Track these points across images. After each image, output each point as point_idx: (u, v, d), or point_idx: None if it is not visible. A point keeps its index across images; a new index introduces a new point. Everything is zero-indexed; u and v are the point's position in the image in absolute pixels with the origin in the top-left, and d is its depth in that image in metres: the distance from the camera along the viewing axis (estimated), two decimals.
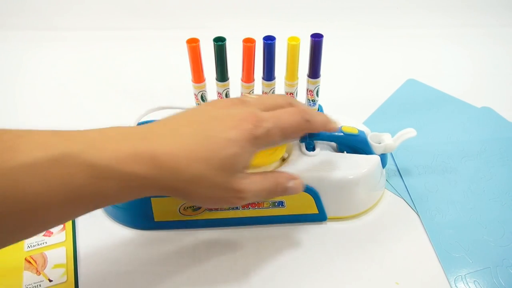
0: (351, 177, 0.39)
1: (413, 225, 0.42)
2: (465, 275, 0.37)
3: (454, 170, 0.47)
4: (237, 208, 0.40)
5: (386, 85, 0.60)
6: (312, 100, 0.48)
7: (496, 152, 0.49)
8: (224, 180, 0.29)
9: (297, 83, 0.47)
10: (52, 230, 0.41)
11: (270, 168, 0.41)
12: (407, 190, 0.45)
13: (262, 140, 0.30)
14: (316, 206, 0.40)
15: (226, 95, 0.47)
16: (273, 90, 0.47)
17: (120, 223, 0.42)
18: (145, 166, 0.27)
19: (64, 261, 0.38)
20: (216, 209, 0.40)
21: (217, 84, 0.46)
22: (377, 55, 0.67)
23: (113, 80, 0.62)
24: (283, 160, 0.42)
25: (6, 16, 0.74)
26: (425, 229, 0.41)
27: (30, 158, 0.24)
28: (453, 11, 0.75)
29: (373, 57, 0.67)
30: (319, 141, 0.42)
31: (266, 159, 0.40)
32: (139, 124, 0.42)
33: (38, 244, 0.39)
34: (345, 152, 0.41)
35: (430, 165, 0.47)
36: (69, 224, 0.41)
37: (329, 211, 0.41)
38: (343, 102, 0.56)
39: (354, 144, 0.41)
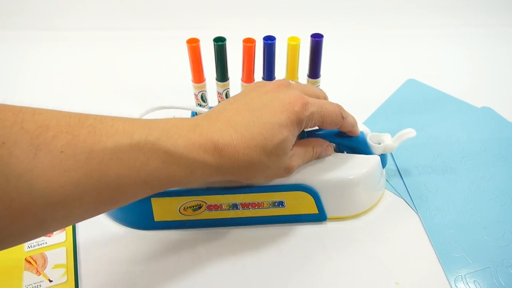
0: (351, 177, 0.39)
1: (413, 225, 0.42)
2: (465, 275, 0.37)
3: (454, 170, 0.47)
4: (236, 208, 0.40)
5: (386, 85, 0.60)
6: None
7: (496, 152, 0.49)
8: (278, 162, 0.33)
9: None
10: None
11: None
12: (407, 190, 0.45)
13: (305, 122, 0.33)
14: (316, 206, 0.40)
15: (226, 95, 0.47)
16: None
17: (120, 223, 0.42)
18: (210, 155, 0.30)
19: (64, 261, 0.38)
20: (216, 209, 0.40)
21: (217, 84, 0.46)
22: (377, 55, 0.67)
23: (113, 80, 0.62)
24: None
25: (6, 16, 0.74)
26: (425, 229, 0.41)
27: (113, 143, 0.27)
28: (453, 11, 0.75)
29: (373, 57, 0.67)
30: None
31: None
32: None
33: (38, 244, 0.39)
34: (345, 152, 0.42)
35: (430, 165, 0.47)
36: None
37: (329, 211, 0.41)
38: (343, 102, 0.56)
39: (354, 144, 0.41)
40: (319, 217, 0.41)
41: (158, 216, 0.40)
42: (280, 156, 0.33)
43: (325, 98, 0.39)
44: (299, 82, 0.38)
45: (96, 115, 0.28)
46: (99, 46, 0.70)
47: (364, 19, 0.75)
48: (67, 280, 0.37)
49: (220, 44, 0.43)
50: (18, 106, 0.26)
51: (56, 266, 0.38)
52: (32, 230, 0.26)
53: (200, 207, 0.40)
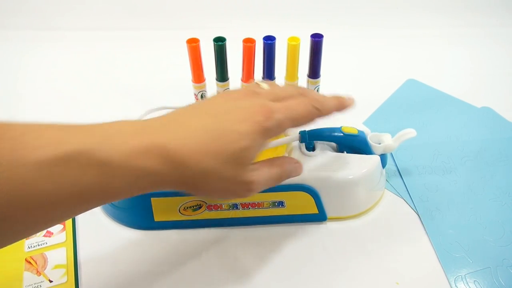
0: (351, 177, 0.39)
1: (413, 225, 0.42)
2: (465, 275, 0.37)
3: (454, 170, 0.47)
4: (236, 208, 0.40)
5: (386, 85, 0.60)
6: None
7: (496, 152, 0.49)
8: (235, 174, 0.29)
9: (297, 83, 0.47)
10: (52, 230, 0.41)
11: None
12: (407, 190, 0.45)
13: (273, 131, 0.30)
14: (316, 206, 0.40)
15: None
16: None
17: (120, 223, 0.42)
18: (156, 162, 0.26)
19: (64, 261, 0.38)
20: (216, 209, 0.40)
21: (217, 84, 0.46)
22: (377, 55, 0.67)
23: (113, 80, 0.62)
24: None
25: (6, 16, 0.74)
26: (425, 229, 0.41)
27: (39, 156, 0.23)
28: (453, 11, 0.75)
29: (373, 57, 0.67)
30: (319, 141, 0.42)
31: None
32: None
33: (38, 245, 0.39)
34: (345, 152, 0.42)
35: (430, 165, 0.47)
36: (69, 224, 0.41)
37: (329, 211, 0.41)
38: None
39: (354, 144, 0.41)
40: (319, 217, 0.41)
41: (158, 216, 0.40)
42: (239, 168, 0.29)
43: (302, 94, 0.34)
44: (272, 84, 0.35)
45: (23, 124, 0.25)
46: (99, 46, 0.70)
47: (364, 19, 0.75)
48: (67, 281, 0.37)
49: (220, 44, 0.43)
50: None
51: (56, 267, 0.38)
52: None
53: (200, 207, 0.40)
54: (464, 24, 0.73)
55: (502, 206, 0.43)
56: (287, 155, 0.42)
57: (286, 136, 0.42)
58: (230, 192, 0.30)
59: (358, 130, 0.41)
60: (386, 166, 0.44)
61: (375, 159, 0.41)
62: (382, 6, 0.76)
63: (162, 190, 0.28)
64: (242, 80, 0.47)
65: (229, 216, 0.41)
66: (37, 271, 0.37)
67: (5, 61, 0.67)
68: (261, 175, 0.31)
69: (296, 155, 0.41)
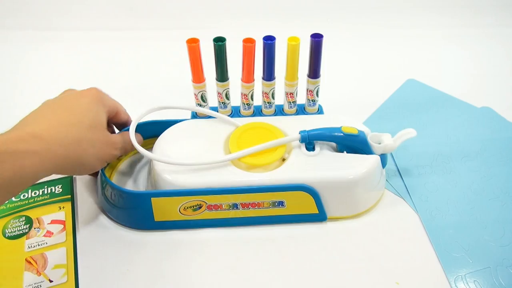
0: (351, 177, 0.39)
1: (413, 225, 0.42)
2: (465, 275, 0.37)
3: (454, 170, 0.47)
4: (237, 208, 0.40)
5: (386, 85, 0.60)
6: (312, 100, 0.48)
7: (496, 152, 0.49)
8: (99, 135, 0.38)
9: (297, 83, 0.47)
10: (52, 230, 0.41)
11: (270, 168, 0.41)
12: (407, 190, 0.45)
13: (105, 99, 0.41)
14: (316, 206, 0.40)
15: (226, 96, 0.47)
16: (273, 91, 0.47)
17: (120, 223, 0.42)
18: (30, 143, 0.33)
19: (64, 261, 0.38)
20: (216, 209, 0.40)
21: (217, 84, 0.46)
22: (377, 55, 0.67)
23: (113, 80, 0.62)
24: (283, 160, 0.42)
25: (6, 16, 0.74)
26: (425, 229, 0.41)
27: None
28: (453, 11, 0.75)
29: (373, 57, 0.67)
30: (319, 141, 0.42)
31: (267, 159, 0.41)
32: (139, 124, 0.43)
33: (38, 245, 0.39)
34: (345, 152, 0.42)
35: (430, 165, 0.47)
36: (69, 224, 0.41)
37: (329, 211, 0.41)
38: (343, 102, 0.56)
39: (354, 144, 0.41)
40: (319, 217, 0.41)
41: (158, 216, 0.40)
42: (99, 130, 0.38)
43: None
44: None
45: None
46: (99, 46, 0.70)
47: (364, 19, 0.75)
48: (67, 280, 0.37)
49: (220, 44, 0.43)
50: None
51: (57, 266, 0.38)
52: None
53: (200, 207, 0.40)
54: (464, 24, 0.73)
55: (502, 206, 0.43)
56: (287, 155, 0.42)
57: (286, 136, 0.42)
58: (104, 152, 0.39)
59: (358, 130, 0.41)
60: (386, 166, 0.44)
61: (375, 159, 0.41)
62: (382, 6, 0.76)
63: (47, 172, 0.34)
64: (242, 80, 0.47)
65: (229, 216, 0.41)
66: (37, 271, 0.37)
67: (5, 61, 0.67)
68: (118, 137, 0.41)
69: (296, 154, 0.41)
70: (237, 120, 0.46)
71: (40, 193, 0.44)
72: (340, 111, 0.51)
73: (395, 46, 0.69)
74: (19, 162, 0.32)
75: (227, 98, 0.47)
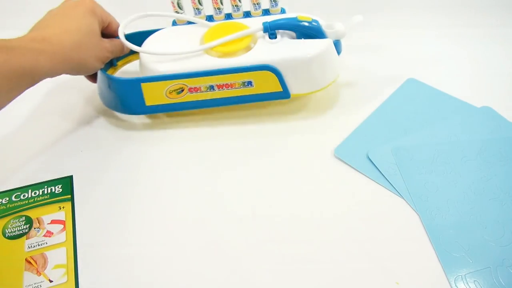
0: (309, 56, 0.46)
1: (413, 225, 0.42)
2: (465, 275, 0.37)
3: (454, 170, 0.47)
4: (213, 89, 0.47)
5: (386, 85, 0.60)
6: (274, 1, 0.53)
7: (496, 152, 0.49)
8: (96, 40, 0.46)
9: None
10: (52, 230, 0.41)
11: (238, 54, 0.47)
12: (407, 190, 0.45)
13: (98, 10, 0.47)
14: (280, 84, 0.46)
15: (199, 2, 0.52)
16: None
17: (119, 112, 0.50)
18: (42, 44, 0.41)
19: (64, 261, 0.38)
20: (196, 91, 0.47)
21: None
22: (377, 55, 0.67)
23: None
24: (250, 48, 0.48)
25: (6, 16, 0.74)
26: (425, 229, 0.41)
27: None
28: (453, 11, 0.75)
29: (373, 57, 0.67)
30: (280, 31, 0.48)
31: (235, 47, 0.47)
32: (127, 35, 0.50)
33: (38, 245, 0.39)
34: (302, 39, 0.47)
35: (430, 165, 0.47)
36: (69, 224, 0.41)
37: (291, 88, 0.47)
38: (344, 101, 0.56)
39: (309, 31, 0.47)
40: (283, 94, 0.48)
41: (148, 100, 0.48)
42: (94, 35, 0.46)
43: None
44: None
45: None
46: None
47: (364, 19, 0.75)
48: (67, 280, 0.37)
49: None
50: None
51: (57, 266, 0.38)
52: None
53: (182, 90, 0.47)
54: (464, 24, 0.73)
55: (502, 206, 0.43)
56: (252, 44, 0.48)
57: (250, 38, 0.48)
58: (102, 54, 0.47)
59: (312, 18, 0.48)
60: (386, 165, 0.44)
61: (328, 41, 0.48)
62: (382, 6, 0.76)
63: (64, 66, 0.44)
64: None
65: (207, 98, 0.47)
66: (37, 271, 0.37)
67: None
68: (109, 42, 0.48)
69: (260, 43, 0.48)
70: (211, 24, 0.52)
71: (40, 193, 0.44)
72: (340, 111, 0.52)
73: (395, 46, 0.69)
74: (36, 57, 0.40)
75: (200, 3, 0.52)
